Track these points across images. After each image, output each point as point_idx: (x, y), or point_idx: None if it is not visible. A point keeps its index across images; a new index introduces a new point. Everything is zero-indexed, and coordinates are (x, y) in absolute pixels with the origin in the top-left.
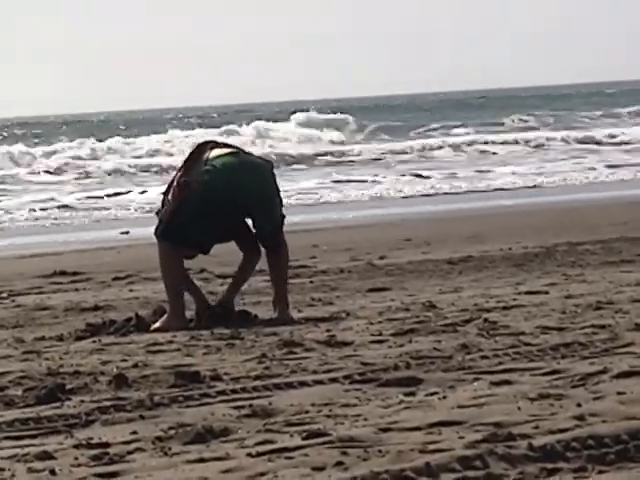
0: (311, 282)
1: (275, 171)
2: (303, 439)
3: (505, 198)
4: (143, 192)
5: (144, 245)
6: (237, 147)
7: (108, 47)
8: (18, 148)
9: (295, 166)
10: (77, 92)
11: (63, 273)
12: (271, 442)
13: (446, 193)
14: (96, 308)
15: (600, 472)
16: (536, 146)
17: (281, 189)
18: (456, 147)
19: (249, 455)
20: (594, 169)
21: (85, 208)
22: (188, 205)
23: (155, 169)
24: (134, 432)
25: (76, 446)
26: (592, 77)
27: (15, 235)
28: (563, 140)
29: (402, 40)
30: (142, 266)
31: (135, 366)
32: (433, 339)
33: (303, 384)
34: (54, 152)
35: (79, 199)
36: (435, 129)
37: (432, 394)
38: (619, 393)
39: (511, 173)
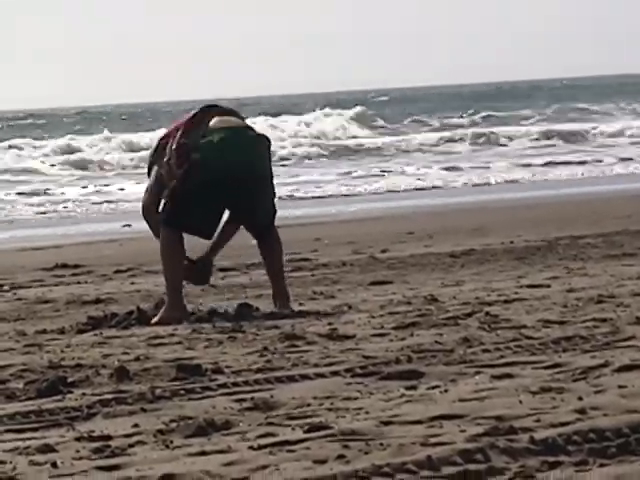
0: (313, 275)
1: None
2: (305, 432)
3: (507, 191)
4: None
5: (146, 238)
6: (237, 115)
7: (108, 47)
8: (24, 141)
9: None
10: (77, 92)
11: (65, 266)
12: (273, 435)
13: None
14: (97, 301)
15: (601, 465)
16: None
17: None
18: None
19: (251, 448)
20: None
21: (87, 201)
22: (187, 189)
23: None
24: (135, 425)
25: (78, 439)
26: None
27: (17, 228)
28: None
29: (402, 40)
30: (144, 259)
31: (136, 359)
32: (435, 332)
33: (305, 377)
34: (63, 145)
35: (83, 193)
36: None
37: (433, 387)
38: (620, 387)
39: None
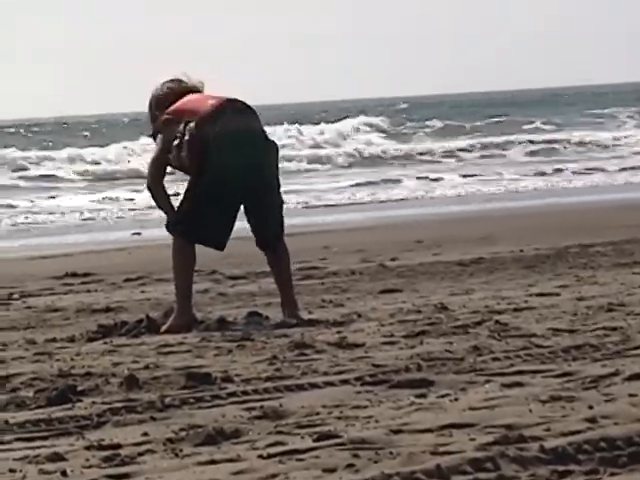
0: (322, 284)
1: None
2: (314, 441)
3: (515, 200)
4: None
5: (155, 246)
6: (254, 115)
7: (108, 47)
8: (32, 153)
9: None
10: (77, 92)
11: (74, 274)
12: (282, 444)
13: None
14: (107, 309)
15: (612, 474)
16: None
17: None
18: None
19: (260, 457)
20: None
21: (97, 209)
22: (199, 194)
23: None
24: (145, 433)
25: (87, 447)
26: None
27: (26, 236)
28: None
29: (402, 40)
30: (153, 267)
31: (146, 368)
32: (444, 341)
33: (314, 386)
34: (75, 155)
35: (92, 200)
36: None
37: (443, 396)
38: (631, 395)
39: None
